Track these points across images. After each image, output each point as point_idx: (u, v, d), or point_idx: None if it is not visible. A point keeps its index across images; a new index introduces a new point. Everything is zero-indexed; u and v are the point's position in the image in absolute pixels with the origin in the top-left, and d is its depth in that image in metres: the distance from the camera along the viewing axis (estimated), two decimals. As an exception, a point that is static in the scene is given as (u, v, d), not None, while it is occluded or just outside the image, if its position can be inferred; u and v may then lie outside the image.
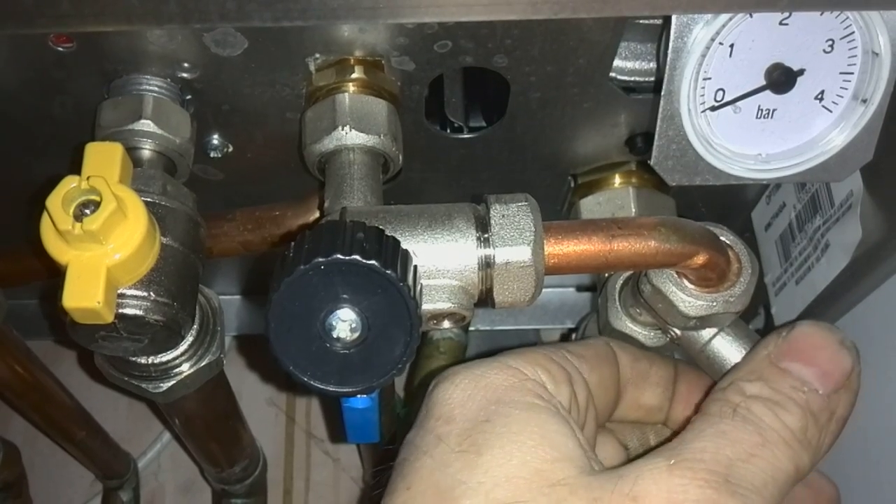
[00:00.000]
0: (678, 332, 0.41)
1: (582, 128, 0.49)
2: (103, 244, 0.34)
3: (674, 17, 0.38)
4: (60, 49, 0.40)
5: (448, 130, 0.49)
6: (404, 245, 0.33)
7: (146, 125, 0.42)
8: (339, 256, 0.30)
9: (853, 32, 0.39)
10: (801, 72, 0.40)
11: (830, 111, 0.42)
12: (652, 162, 0.42)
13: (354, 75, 0.42)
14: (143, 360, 0.43)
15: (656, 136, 0.41)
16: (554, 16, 0.37)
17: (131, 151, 0.41)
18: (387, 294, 0.31)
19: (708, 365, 0.41)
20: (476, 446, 0.31)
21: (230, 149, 0.49)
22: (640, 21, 0.42)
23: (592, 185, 0.53)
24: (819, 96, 0.41)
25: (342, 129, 0.42)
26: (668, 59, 0.39)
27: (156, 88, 0.43)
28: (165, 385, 0.44)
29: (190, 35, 0.40)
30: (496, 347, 0.69)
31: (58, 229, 0.33)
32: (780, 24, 0.39)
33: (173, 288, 0.38)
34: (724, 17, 0.38)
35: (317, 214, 0.48)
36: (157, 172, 0.41)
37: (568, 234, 0.36)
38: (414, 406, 0.63)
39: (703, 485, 0.30)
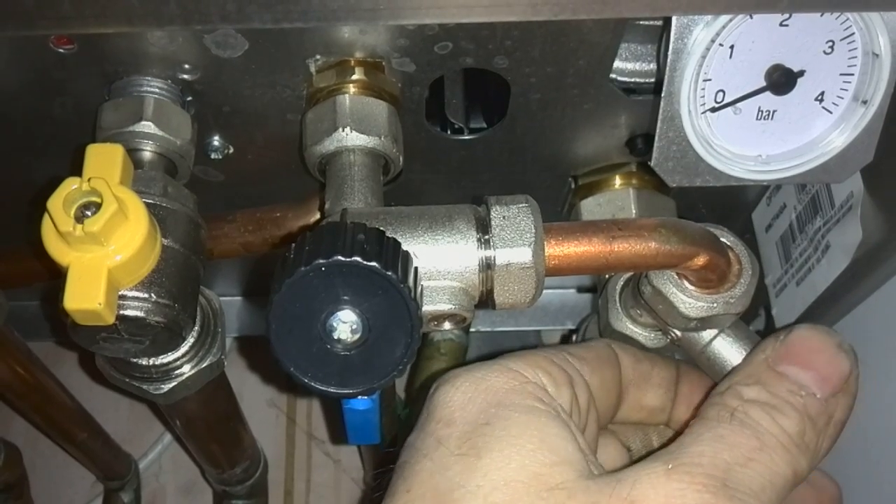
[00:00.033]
0: (678, 333, 0.41)
1: (582, 129, 0.49)
2: (104, 246, 0.34)
3: (674, 19, 0.38)
4: (61, 50, 0.40)
5: (448, 132, 0.49)
6: (405, 246, 0.33)
7: (147, 127, 0.42)
8: (340, 258, 0.30)
9: (853, 34, 0.39)
10: (802, 73, 0.40)
11: (831, 112, 0.42)
12: (652, 163, 0.42)
13: (355, 77, 0.42)
14: (144, 362, 0.43)
15: (656, 138, 0.41)
16: (554, 17, 0.37)
17: (132, 153, 0.41)
18: (387, 295, 0.31)
19: (708, 366, 0.41)
20: (475, 449, 0.31)
21: (231, 150, 0.49)
22: (641, 22, 0.42)
23: (593, 186, 0.53)
24: (819, 97, 0.41)
25: (343, 131, 0.42)
26: (669, 60, 0.39)
27: (156, 90, 0.43)
28: (166, 386, 0.44)
29: (190, 36, 0.40)
30: (497, 349, 0.70)
31: (59, 231, 0.33)
32: (781, 25, 0.39)
33: (174, 289, 0.38)
34: (724, 18, 0.38)
35: (317, 216, 0.48)
36: (157, 174, 0.41)
37: (568, 235, 0.36)
38: (416, 408, 0.63)
39: (700, 489, 0.30)
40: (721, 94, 0.41)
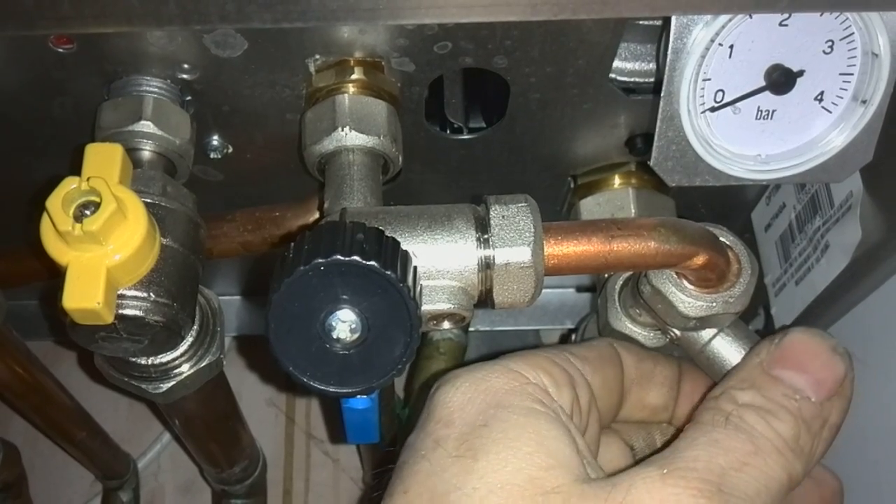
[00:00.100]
0: (678, 332, 0.41)
1: (581, 129, 0.49)
2: (103, 245, 0.34)
3: (673, 18, 0.38)
4: (61, 50, 0.40)
5: (448, 131, 0.49)
6: (404, 246, 0.33)
7: (146, 126, 0.42)
8: (339, 257, 0.30)
9: (853, 33, 0.39)
10: (801, 73, 0.40)
11: (830, 112, 0.42)
12: (651, 163, 0.42)
13: (354, 76, 0.42)
14: (142, 361, 0.43)
15: (656, 137, 0.41)
16: (553, 17, 0.37)
17: (131, 152, 0.41)
18: (387, 295, 0.31)
19: (708, 366, 0.41)
20: (473, 451, 0.31)
21: (230, 150, 0.49)
22: (640, 22, 0.42)
23: (592, 185, 0.53)
24: (819, 97, 0.41)
25: (342, 130, 0.42)
26: (668, 60, 0.39)
27: (156, 89, 0.43)
28: (165, 386, 0.44)
29: (190, 36, 0.40)
30: (496, 348, 0.70)
31: (58, 230, 0.33)
32: (780, 25, 0.39)
33: (173, 289, 0.38)
34: (723, 18, 0.38)
35: (317, 215, 0.48)
36: (157, 173, 0.41)
37: (567, 234, 0.36)
38: (416, 408, 0.63)
39: (695, 494, 0.30)
40: (720, 93, 0.41)
